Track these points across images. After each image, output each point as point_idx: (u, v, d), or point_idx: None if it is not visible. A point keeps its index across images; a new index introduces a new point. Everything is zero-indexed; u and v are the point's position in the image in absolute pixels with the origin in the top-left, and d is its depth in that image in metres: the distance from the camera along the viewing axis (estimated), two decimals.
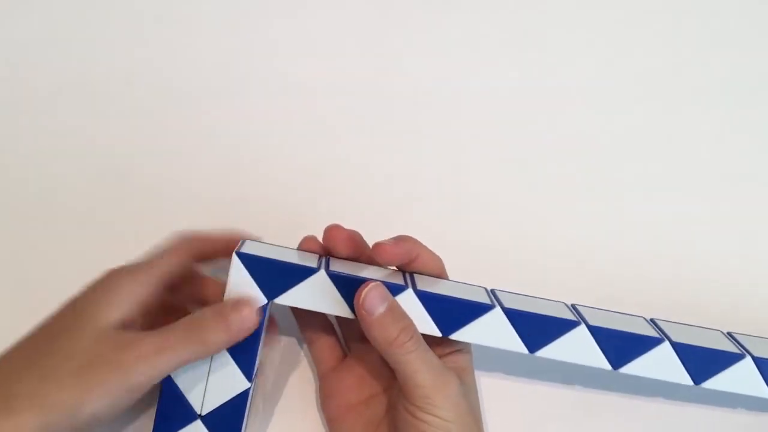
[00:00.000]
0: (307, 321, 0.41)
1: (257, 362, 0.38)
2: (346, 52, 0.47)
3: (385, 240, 0.37)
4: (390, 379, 0.40)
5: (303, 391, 0.42)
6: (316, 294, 0.37)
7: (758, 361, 0.39)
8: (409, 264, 0.38)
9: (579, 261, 0.45)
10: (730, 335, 0.41)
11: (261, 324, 0.37)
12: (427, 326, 0.37)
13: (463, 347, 0.39)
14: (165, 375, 0.35)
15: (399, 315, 0.36)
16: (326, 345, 0.41)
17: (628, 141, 0.47)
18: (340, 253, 0.38)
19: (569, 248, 0.45)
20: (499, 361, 0.43)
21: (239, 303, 0.35)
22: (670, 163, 0.47)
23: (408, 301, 0.37)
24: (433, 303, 0.37)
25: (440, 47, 0.48)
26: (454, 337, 0.37)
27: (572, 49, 0.48)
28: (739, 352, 0.39)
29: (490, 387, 0.42)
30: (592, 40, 0.49)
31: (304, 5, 0.48)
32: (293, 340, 0.43)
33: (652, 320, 0.41)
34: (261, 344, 0.38)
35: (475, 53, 0.48)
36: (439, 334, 0.37)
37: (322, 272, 0.37)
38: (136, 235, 0.42)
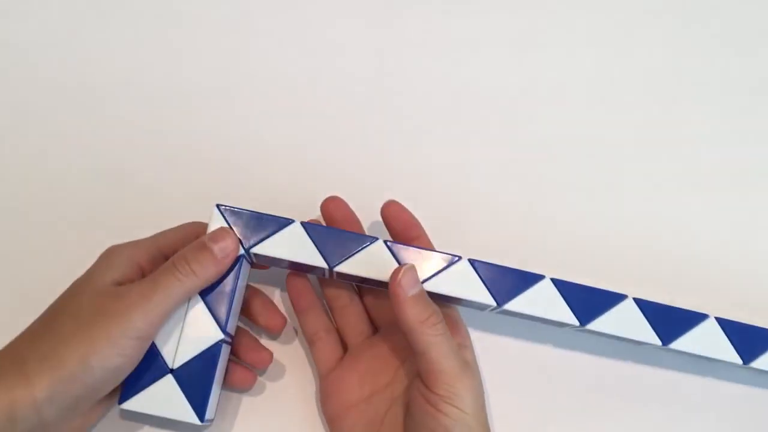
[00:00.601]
0: (308, 320, 0.41)
1: (231, 313, 0.38)
2: (347, 51, 0.49)
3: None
4: (392, 375, 0.40)
5: (303, 392, 0.42)
6: (291, 244, 0.38)
7: (721, 322, 0.40)
8: (406, 241, 0.40)
9: (578, 260, 0.45)
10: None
11: (238, 275, 0.38)
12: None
13: (464, 342, 0.39)
14: (165, 315, 0.36)
15: (430, 300, 0.37)
16: (327, 344, 0.41)
17: (628, 139, 0.49)
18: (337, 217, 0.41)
19: (568, 247, 0.45)
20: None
21: (217, 233, 0.37)
22: (670, 160, 0.48)
23: (378, 251, 0.38)
24: (401, 254, 0.38)
25: (440, 46, 0.50)
26: (424, 287, 0.38)
27: (573, 49, 0.50)
28: (703, 313, 0.40)
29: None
30: (593, 40, 0.51)
31: (304, 5, 0.50)
32: (295, 341, 0.43)
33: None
34: (236, 296, 0.39)
35: (475, 52, 0.50)
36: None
37: (297, 223, 0.39)
38: (135, 235, 0.44)
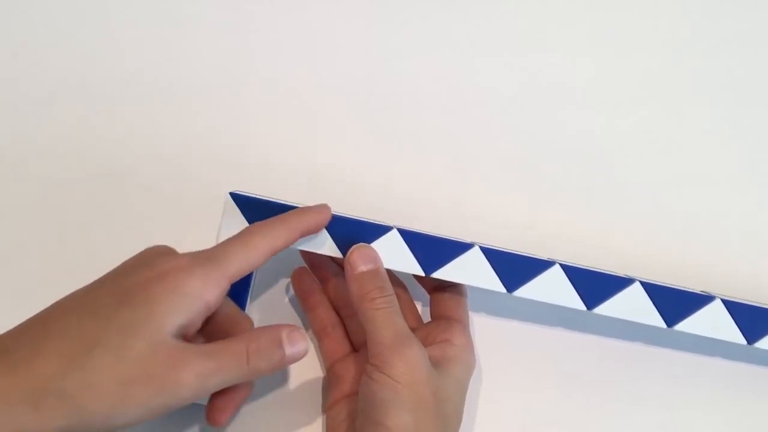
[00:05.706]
0: (316, 318, 0.42)
1: (249, 297, 0.40)
2: (347, 50, 0.49)
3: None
4: None
5: (311, 390, 0.43)
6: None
7: (728, 304, 0.41)
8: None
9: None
10: (704, 292, 0.43)
11: None
12: (411, 265, 0.39)
13: (452, 339, 0.40)
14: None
15: (380, 278, 0.38)
16: (333, 340, 0.42)
17: (627, 138, 0.49)
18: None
19: (568, 249, 0.45)
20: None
21: (296, 335, 0.35)
22: (670, 159, 0.48)
23: (392, 240, 0.39)
24: (415, 242, 0.39)
25: (440, 46, 0.50)
26: (435, 275, 0.39)
27: (573, 49, 0.50)
28: (708, 295, 0.41)
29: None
30: (593, 40, 0.51)
31: (304, 5, 0.50)
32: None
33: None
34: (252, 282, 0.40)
35: (474, 52, 0.50)
36: (422, 273, 0.39)
37: None
38: (136, 235, 0.44)
